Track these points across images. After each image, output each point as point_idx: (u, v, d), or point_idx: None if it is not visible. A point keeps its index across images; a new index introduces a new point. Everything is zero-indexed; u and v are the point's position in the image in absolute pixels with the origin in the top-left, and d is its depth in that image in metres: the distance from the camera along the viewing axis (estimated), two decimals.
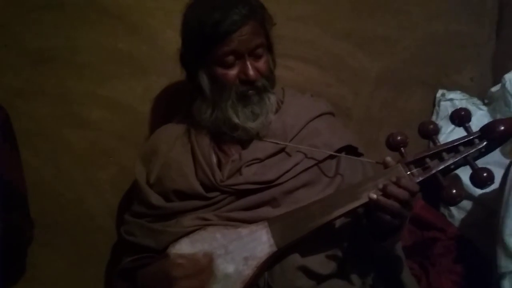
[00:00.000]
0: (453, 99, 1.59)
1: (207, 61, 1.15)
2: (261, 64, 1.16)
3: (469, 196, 1.43)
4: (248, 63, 1.13)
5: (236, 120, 1.15)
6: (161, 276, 1.06)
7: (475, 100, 1.62)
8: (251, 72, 1.13)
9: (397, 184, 0.97)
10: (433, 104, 1.63)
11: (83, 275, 1.47)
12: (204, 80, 1.17)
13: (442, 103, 1.60)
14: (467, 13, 1.64)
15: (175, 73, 1.31)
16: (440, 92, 1.62)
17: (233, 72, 1.14)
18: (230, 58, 1.13)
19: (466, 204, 1.45)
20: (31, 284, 1.42)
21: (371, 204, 0.99)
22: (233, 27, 1.10)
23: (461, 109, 1.00)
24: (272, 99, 1.19)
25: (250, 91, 1.15)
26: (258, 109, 1.16)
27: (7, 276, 1.38)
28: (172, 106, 1.46)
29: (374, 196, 0.97)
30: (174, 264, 1.05)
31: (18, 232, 1.33)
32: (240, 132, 1.17)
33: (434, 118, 1.62)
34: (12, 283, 1.43)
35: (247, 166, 1.16)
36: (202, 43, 1.13)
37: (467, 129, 1.00)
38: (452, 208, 1.48)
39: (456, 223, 1.46)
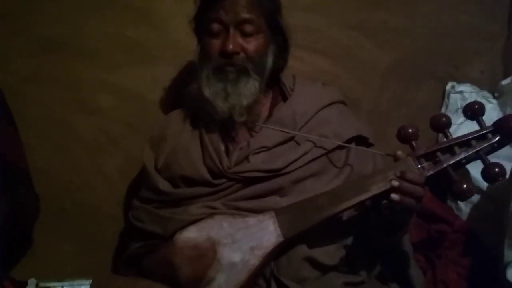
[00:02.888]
0: (463, 92, 1.57)
1: (202, 30, 1.16)
2: (249, 43, 1.13)
3: (477, 190, 1.42)
4: (230, 34, 1.11)
5: (206, 93, 1.13)
6: (165, 263, 1.06)
7: (485, 93, 1.60)
8: (230, 44, 1.10)
9: (405, 179, 0.96)
10: (443, 96, 1.62)
11: (90, 261, 1.48)
12: (198, 51, 1.18)
13: (452, 95, 1.58)
14: (478, 5, 1.62)
15: (184, 60, 1.31)
16: (450, 84, 1.61)
17: (216, 42, 1.13)
18: (215, 26, 1.12)
19: (474, 197, 1.45)
20: (38, 269, 1.43)
21: (389, 205, 0.97)
22: None
23: (475, 102, 0.99)
24: (252, 84, 1.14)
25: (228, 67, 1.12)
26: (232, 88, 1.12)
27: (13, 251, 1.40)
28: (180, 94, 1.46)
29: (398, 197, 0.95)
30: (177, 251, 1.05)
31: (24, 207, 1.33)
32: (210, 109, 1.14)
33: (443, 110, 1.61)
34: (18, 258, 1.45)
35: (255, 154, 1.15)
36: (199, 11, 1.16)
37: (480, 122, 0.99)
38: (460, 202, 1.48)
39: (463, 216, 1.46)
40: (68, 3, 1.41)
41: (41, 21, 1.41)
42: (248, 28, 1.12)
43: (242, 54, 1.12)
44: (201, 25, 1.16)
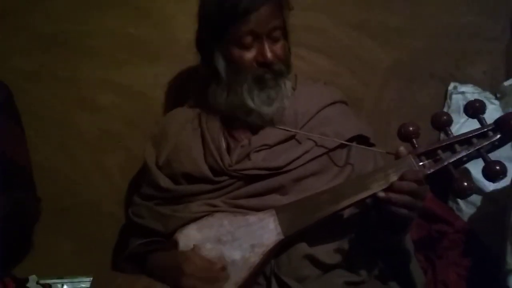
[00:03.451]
0: (465, 93, 1.57)
1: (224, 41, 1.14)
2: (278, 47, 1.14)
3: (478, 190, 1.42)
4: (265, 45, 1.12)
5: (252, 105, 1.14)
6: (172, 267, 1.05)
7: (487, 94, 1.60)
8: (268, 54, 1.12)
9: (406, 179, 0.96)
10: (444, 97, 1.62)
11: (90, 259, 1.49)
12: (220, 62, 1.16)
13: (454, 96, 1.58)
14: (481, 6, 1.62)
15: (186, 59, 1.31)
16: (452, 85, 1.61)
17: (250, 54, 1.13)
18: (248, 38, 1.12)
19: (475, 198, 1.45)
20: (39, 266, 1.44)
21: (383, 202, 0.98)
22: (252, 6, 1.09)
23: (476, 100, 0.99)
24: (288, 85, 1.17)
25: (267, 75, 1.14)
26: (274, 93, 1.15)
27: (13, 251, 1.40)
28: (182, 92, 1.46)
29: (383, 194, 0.97)
30: (189, 260, 1.04)
31: (23, 208, 1.33)
32: (255, 117, 1.16)
33: (445, 110, 1.60)
34: (18, 258, 1.45)
35: (256, 151, 1.16)
36: (220, 22, 1.12)
37: (481, 121, 0.99)
38: (460, 202, 1.47)
39: (464, 217, 1.46)
40: (69, 1, 1.42)
41: (42, 19, 1.42)
42: (277, 34, 1.14)
43: (276, 59, 1.13)
44: (223, 38, 1.14)
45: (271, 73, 1.14)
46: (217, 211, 1.10)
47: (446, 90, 1.62)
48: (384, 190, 0.98)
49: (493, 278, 1.30)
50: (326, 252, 1.09)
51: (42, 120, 1.46)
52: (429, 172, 0.98)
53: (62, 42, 1.44)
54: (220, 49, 1.16)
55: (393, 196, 0.96)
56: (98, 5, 1.43)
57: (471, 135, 0.99)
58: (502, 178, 0.94)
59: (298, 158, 1.13)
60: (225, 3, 1.10)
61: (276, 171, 1.12)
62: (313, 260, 1.07)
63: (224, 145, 1.18)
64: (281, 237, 1.05)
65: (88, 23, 1.44)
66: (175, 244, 1.09)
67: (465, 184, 0.94)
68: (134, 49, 1.47)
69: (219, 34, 1.13)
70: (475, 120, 1.01)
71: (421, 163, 1.00)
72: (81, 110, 1.48)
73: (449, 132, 1.00)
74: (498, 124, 0.97)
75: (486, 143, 0.97)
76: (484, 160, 0.96)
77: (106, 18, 1.44)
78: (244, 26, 1.10)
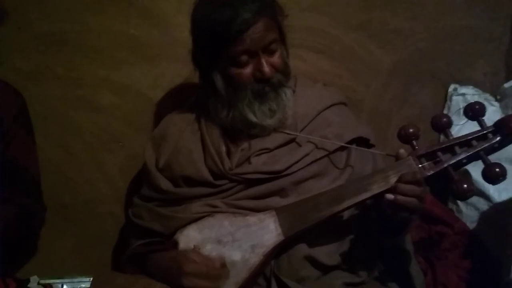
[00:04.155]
0: (465, 94, 1.57)
1: (220, 61, 1.14)
2: (275, 59, 1.14)
3: (478, 192, 1.42)
4: (262, 60, 1.11)
5: (254, 119, 1.14)
6: (172, 267, 1.06)
7: (487, 95, 1.60)
8: (266, 69, 1.11)
9: (404, 181, 0.96)
10: (445, 98, 1.62)
11: (90, 258, 1.49)
12: (219, 81, 1.16)
13: (454, 97, 1.58)
14: (481, 8, 1.62)
15: (186, 59, 1.30)
16: (452, 86, 1.61)
17: (247, 71, 1.13)
18: (244, 57, 1.11)
19: (475, 200, 1.45)
20: (39, 266, 1.44)
21: (388, 205, 0.98)
22: (244, 26, 1.07)
23: (476, 102, 0.99)
24: (288, 93, 1.17)
25: (266, 88, 1.14)
26: (275, 105, 1.15)
27: (19, 256, 1.42)
28: (182, 92, 1.47)
29: (392, 196, 0.96)
30: (189, 259, 1.04)
31: (31, 217, 1.34)
32: (258, 130, 1.16)
33: (445, 112, 1.61)
34: (24, 262, 1.45)
35: (256, 155, 1.16)
36: (213, 44, 1.11)
37: (481, 123, 0.99)
38: (460, 204, 1.48)
39: (464, 219, 1.46)
40: (69, 0, 1.42)
41: (42, 19, 1.42)
42: (273, 46, 1.13)
43: (274, 72, 1.13)
44: (218, 59, 1.14)
45: (270, 86, 1.14)
46: (217, 212, 1.10)
47: (446, 92, 1.62)
48: (391, 193, 0.97)
49: (493, 279, 1.29)
50: (326, 253, 1.09)
51: (42, 119, 1.46)
52: (429, 174, 0.99)
53: (62, 42, 1.44)
54: (217, 69, 1.15)
55: (400, 198, 0.96)
56: (98, 5, 1.43)
57: (471, 137, 0.99)
58: (501, 180, 0.94)
59: (298, 161, 1.13)
60: (216, 25, 1.08)
61: (277, 175, 1.12)
62: (313, 261, 1.08)
63: (224, 148, 1.19)
64: (281, 238, 1.05)
65: (88, 23, 1.44)
66: (175, 244, 1.09)
67: (465, 186, 0.94)
68: (134, 49, 1.47)
69: (214, 55, 1.13)
70: (475, 122, 1.01)
71: (421, 165, 1.00)
72: (81, 109, 1.48)
73: (449, 134, 1.00)
74: (498, 126, 0.98)
75: (486, 145, 0.97)
76: (484, 162, 0.96)
77: (106, 18, 1.44)
78: (238, 47, 1.09)
